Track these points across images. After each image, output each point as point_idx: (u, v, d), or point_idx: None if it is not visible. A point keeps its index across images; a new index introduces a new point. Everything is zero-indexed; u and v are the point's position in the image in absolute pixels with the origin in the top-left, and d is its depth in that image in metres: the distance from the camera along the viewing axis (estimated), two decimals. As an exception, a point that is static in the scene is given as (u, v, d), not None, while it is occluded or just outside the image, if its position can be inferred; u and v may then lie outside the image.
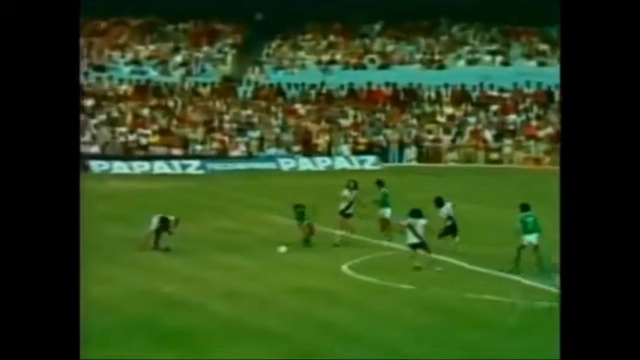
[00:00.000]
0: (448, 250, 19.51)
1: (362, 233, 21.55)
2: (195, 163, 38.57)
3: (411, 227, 18.38)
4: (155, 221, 20.27)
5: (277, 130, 42.28)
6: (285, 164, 39.38)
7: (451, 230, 19.98)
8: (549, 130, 41.37)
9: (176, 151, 40.26)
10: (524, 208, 18.69)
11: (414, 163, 40.29)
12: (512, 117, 42.50)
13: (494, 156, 40.72)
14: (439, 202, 20.22)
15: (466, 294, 15.90)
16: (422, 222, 18.41)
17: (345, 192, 21.65)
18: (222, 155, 40.54)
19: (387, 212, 21.45)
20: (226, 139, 41.51)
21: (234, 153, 41.03)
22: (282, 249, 19.77)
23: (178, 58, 47.48)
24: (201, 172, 37.93)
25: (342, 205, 21.41)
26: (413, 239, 18.35)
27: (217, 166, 38.71)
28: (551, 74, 43.29)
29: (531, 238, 18.14)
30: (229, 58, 48.03)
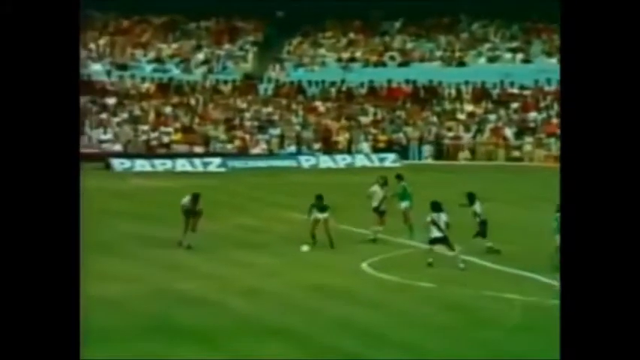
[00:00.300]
0: (478, 250, 19.33)
1: (382, 231, 21.62)
2: (217, 160, 38.76)
3: (434, 222, 18.45)
4: (186, 200, 20.27)
5: (298, 127, 42.39)
6: (306, 162, 39.49)
7: (483, 229, 19.73)
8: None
9: (198, 149, 40.49)
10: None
11: (433, 161, 40.23)
12: (532, 114, 42.32)
13: (515, 154, 40.55)
14: (471, 199, 20.02)
15: (486, 292, 15.88)
16: (443, 217, 18.47)
17: (375, 188, 21.67)
18: (243, 153, 40.72)
19: (406, 205, 21.56)
20: (247, 136, 41.67)
21: (255, 150, 41.17)
22: (305, 248, 19.87)
23: (200, 56, 47.70)
24: (222, 169, 38.11)
25: (375, 203, 21.41)
26: (436, 233, 18.39)
27: (238, 163, 38.89)
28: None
29: None
30: (250, 56, 48.19)
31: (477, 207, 19.91)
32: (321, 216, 20.26)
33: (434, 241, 18.46)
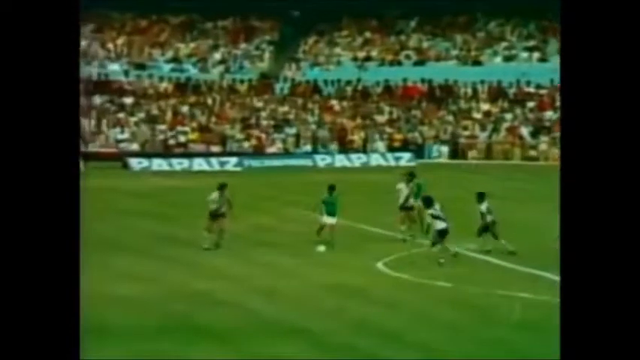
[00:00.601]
0: (494, 250, 19.32)
1: (394, 229, 21.68)
2: (233, 160, 38.94)
3: (433, 215, 18.64)
4: (215, 195, 20.31)
5: (313, 126, 42.51)
6: (322, 161, 39.60)
7: (491, 228, 19.67)
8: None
9: (214, 148, 40.69)
10: None
11: (449, 160, 40.21)
12: (548, 113, 42.20)
13: (531, 153, 40.47)
14: (480, 198, 20.03)
15: (501, 291, 15.89)
16: (437, 206, 18.76)
17: (401, 185, 21.62)
18: (259, 152, 40.89)
19: (417, 203, 21.50)
20: (263, 135, 41.84)
21: (271, 150, 41.33)
22: (321, 248, 19.96)
23: (217, 56, 47.89)
24: (238, 168, 38.29)
25: (401, 199, 21.35)
26: (442, 224, 18.54)
27: (254, 162, 39.06)
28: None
29: None
30: (266, 55, 48.33)
31: (484, 207, 19.83)
32: (329, 221, 20.23)
33: (441, 234, 18.52)
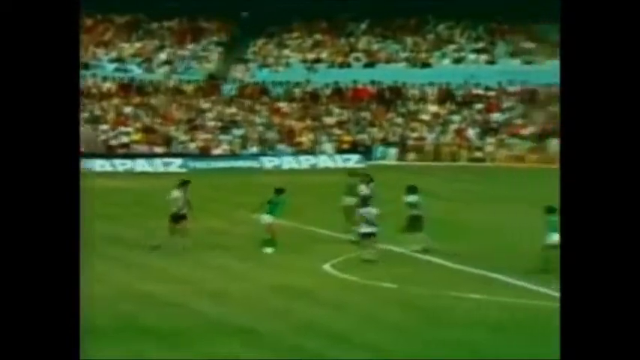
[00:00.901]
0: (439, 250, 19.29)
1: (344, 231, 21.45)
2: (178, 161, 38.39)
3: (363, 216, 18.60)
4: (176, 194, 19.53)
5: (261, 128, 42.14)
6: (269, 162, 39.24)
7: (416, 222, 19.58)
8: (533, 128, 41.46)
9: (158, 150, 40.07)
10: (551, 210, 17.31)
11: (397, 162, 40.24)
12: (496, 115, 42.58)
13: (478, 154, 40.76)
14: (410, 191, 19.94)
15: (449, 292, 15.89)
16: (373, 211, 18.62)
17: (362, 187, 21.27)
18: (204, 154, 40.35)
19: (351, 201, 21.28)
20: (209, 137, 41.34)
21: (217, 151, 40.85)
22: (269, 250, 19.58)
23: (163, 56, 47.26)
24: (183, 170, 37.75)
25: (360, 202, 20.80)
26: (367, 229, 18.50)
27: (200, 164, 38.53)
28: (535, 72, 43.47)
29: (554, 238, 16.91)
30: (214, 56, 47.84)
31: (412, 199, 19.72)
32: (267, 220, 19.78)
33: (364, 236, 18.57)
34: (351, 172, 22.93)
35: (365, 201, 19.63)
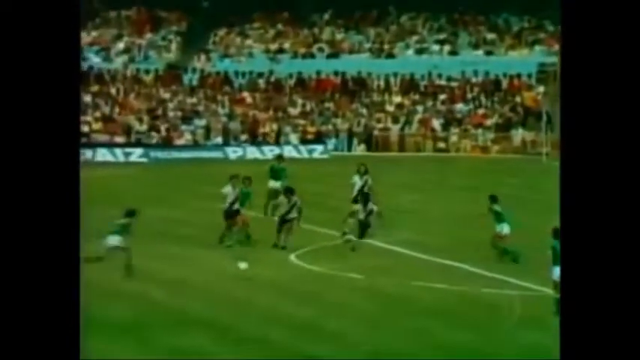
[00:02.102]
0: (404, 240, 19.18)
1: (309, 222, 21.18)
2: (138, 151, 37.78)
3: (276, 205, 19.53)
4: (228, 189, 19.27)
5: (224, 118, 41.65)
6: (233, 153, 38.82)
7: (364, 198, 19.61)
8: (496, 118, 41.59)
9: (118, 139, 39.38)
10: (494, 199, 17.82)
11: (362, 152, 40.08)
12: (459, 106, 42.61)
13: (442, 145, 40.77)
14: (361, 172, 20.39)
15: (414, 282, 15.80)
16: (295, 199, 19.07)
17: (355, 178, 21.07)
18: (166, 143, 39.75)
19: (275, 184, 21.71)
20: (171, 127, 40.75)
21: (179, 142, 40.29)
22: (243, 265, 18.87)
23: (121, 45, 46.47)
24: (144, 160, 37.13)
25: (354, 193, 20.72)
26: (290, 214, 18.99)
27: (161, 154, 37.96)
28: (497, 63, 43.63)
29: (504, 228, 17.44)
30: (174, 46, 47.17)
31: (359, 179, 20.40)
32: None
33: (283, 221, 19.05)
34: (278, 157, 23.22)
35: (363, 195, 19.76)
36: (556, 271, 13.17)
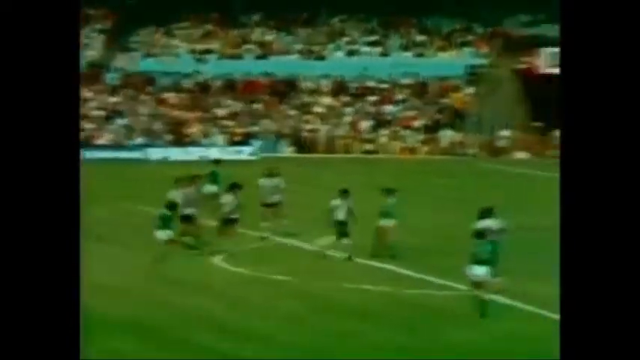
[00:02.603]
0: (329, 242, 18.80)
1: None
2: (59, 151, 36.34)
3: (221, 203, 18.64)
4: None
5: (146, 118, 40.56)
6: (155, 154, 37.77)
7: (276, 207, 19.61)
8: (425, 120, 41.63)
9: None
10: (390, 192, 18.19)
11: (290, 154, 39.55)
12: (388, 107, 42.53)
13: (370, 146, 40.61)
14: (270, 174, 20.18)
15: (340, 284, 15.67)
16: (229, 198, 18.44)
17: (262, 180, 20.43)
18: (87, 143, 38.44)
19: (212, 189, 20.90)
20: (92, 126, 39.46)
21: (100, 141, 39.06)
22: (323, 242, 17.74)
23: (42, 43, 44.89)
24: (65, 161, 35.73)
25: (264, 196, 20.07)
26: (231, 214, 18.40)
27: (82, 154, 36.58)
28: (427, 65, 43.75)
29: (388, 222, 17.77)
30: (96, 44, 45.78)
31: (269, 182, 20.14)
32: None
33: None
34: (216, 161, 22.72)
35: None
36: (475, 271, 13.15)
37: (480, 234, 13.58)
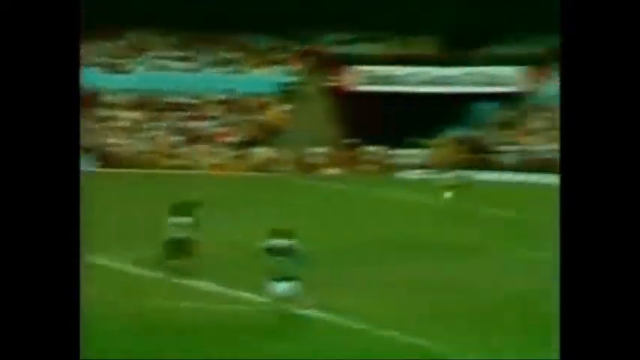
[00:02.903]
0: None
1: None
2: None
3: None
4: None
5: None
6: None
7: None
8: (239, 136, 40.93)
9: None
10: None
11: (93, 169, 37.32)
12: (198, 123, 41.54)
13: (179, 162, 39.33)
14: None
15: (155, 301, 15.00)
16: None
17: None
18: None
19: None
20: None
21: None
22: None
23: None
24: None
25: None
26: None
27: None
28: (238, 81, 43.15)
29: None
30: None
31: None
32: None
33: None
34: None
35: None
36: (277, 287, 13.45)
37: (272, 251, 13.79)
